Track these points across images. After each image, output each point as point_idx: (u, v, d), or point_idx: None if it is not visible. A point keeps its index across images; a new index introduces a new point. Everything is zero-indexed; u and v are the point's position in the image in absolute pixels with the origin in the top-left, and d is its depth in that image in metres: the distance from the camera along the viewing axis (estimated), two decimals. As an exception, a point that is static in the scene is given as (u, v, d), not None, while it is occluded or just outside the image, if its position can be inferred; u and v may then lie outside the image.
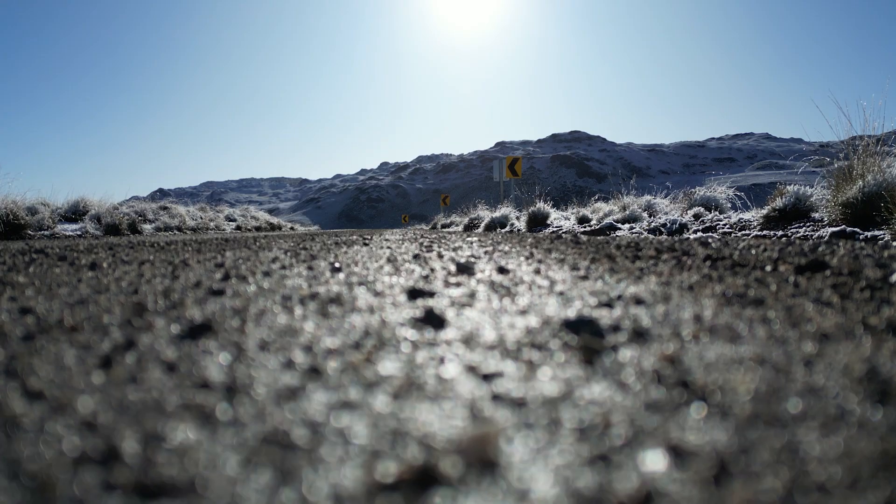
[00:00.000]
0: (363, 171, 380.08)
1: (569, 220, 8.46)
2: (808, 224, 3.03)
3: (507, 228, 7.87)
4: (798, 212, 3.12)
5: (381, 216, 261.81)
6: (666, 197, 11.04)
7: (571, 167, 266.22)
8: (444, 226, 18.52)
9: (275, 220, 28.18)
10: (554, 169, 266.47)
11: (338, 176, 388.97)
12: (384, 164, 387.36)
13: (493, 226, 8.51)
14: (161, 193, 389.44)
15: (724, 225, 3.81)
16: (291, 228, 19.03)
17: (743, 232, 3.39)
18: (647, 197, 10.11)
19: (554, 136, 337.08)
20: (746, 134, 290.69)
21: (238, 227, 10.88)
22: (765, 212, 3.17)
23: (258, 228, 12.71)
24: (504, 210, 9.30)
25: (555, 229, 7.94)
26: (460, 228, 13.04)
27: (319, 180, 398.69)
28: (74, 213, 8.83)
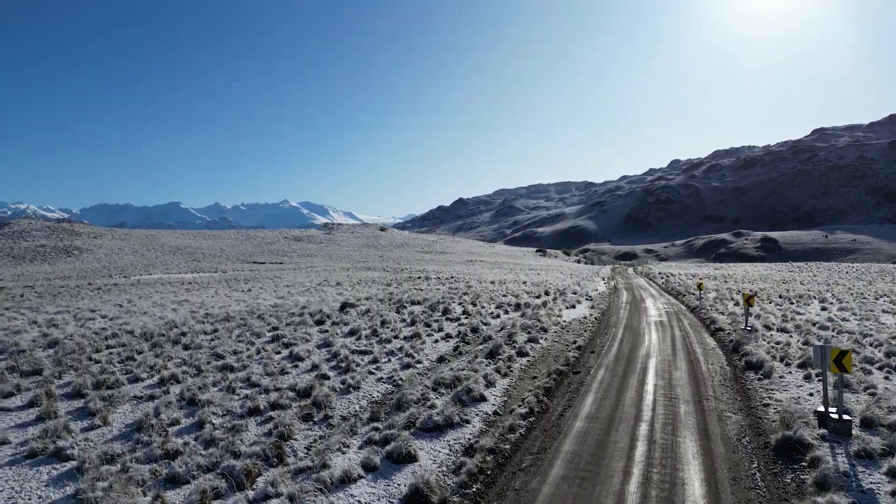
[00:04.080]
0: (651, 171, 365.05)
1: None
2: None
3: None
4: None
5: (671, 219, 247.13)
6: None
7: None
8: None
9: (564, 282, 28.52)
10: (893, 157, 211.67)
11: (624, 177, 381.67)
12: (674, 161, 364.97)
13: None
14: (461, 202, 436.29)
15: None
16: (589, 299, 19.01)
17: None
18: None
19: (893, 116, 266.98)
20: None
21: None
22: None
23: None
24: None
25: None
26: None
27: (604, 183, 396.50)
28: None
